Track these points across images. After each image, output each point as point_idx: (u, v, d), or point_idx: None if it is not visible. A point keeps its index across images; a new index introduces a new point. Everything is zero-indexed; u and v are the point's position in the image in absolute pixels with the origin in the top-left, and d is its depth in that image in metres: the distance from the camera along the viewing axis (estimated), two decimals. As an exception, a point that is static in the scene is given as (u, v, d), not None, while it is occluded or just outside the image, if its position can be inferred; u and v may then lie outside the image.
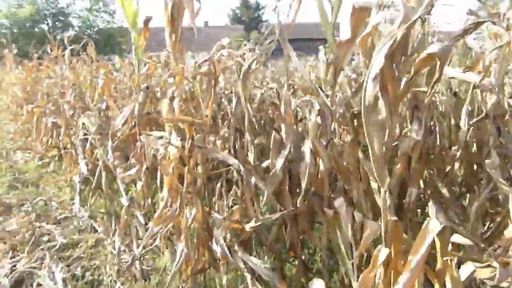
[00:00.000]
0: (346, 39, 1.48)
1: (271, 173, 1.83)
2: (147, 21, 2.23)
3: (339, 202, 1.73)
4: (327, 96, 1.74)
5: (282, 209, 1.90)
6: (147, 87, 2.62)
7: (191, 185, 1.98)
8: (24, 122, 6.24)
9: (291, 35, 1.81)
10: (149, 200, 2.86)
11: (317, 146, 1.71)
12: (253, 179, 1.93)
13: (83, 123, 3.38)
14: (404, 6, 0.95)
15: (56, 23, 25.60)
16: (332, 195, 1.84)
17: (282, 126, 2.11)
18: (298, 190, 1.92)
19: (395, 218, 1.10)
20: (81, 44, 4.45)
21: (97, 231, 3.00)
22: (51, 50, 4.91)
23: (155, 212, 2.98)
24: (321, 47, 3.17)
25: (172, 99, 2.05)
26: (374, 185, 1.63)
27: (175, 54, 2.08)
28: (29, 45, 7.07)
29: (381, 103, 0.99)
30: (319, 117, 1.83)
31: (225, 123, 2.63)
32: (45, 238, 2.80)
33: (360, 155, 1.70)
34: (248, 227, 1.79)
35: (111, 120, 3.18)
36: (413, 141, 1.56)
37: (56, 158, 4.59)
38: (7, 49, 8.30)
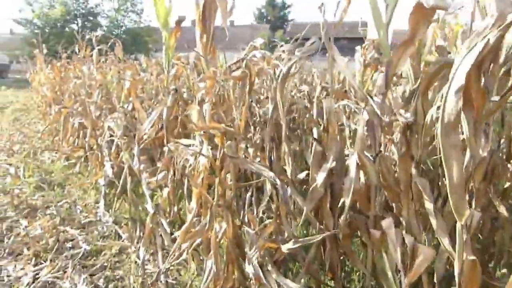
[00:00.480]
0: (403, 41, 1.29)
1: (311, 188, 1.65)
2: (179, 21, 2.09)
3: (387, 222, 1.55)
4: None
5: (322, 227, 1.73)
6: (176, 90, 2.50)
7: (221, 198, 1.84)
8: (52, 122, 6.26)
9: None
10: (175, 208, 2.74)
11: (364, 160, 1.52)
12: (289, 191, 1.77)
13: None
14: (497, 1, 0.76)
15: (86, 23, 26.12)
16: (378, 214, 1.65)
17: (314, 130, 1.93)
18: (339, 207, 1.75)
19: (473, 257, 0.91)
20: (109, 44, 4.42)
21: (121, 237, 2.90)
22: (79, 50, 4.88)
23: (180, 219, 2.86)
24: (358, 47, 2.96)
25: (201, 103, 1.90)
26: (428, 205, 1.44)
27: (206, 56, 1.94)
28: (58, 45, 7.12)
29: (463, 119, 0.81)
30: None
31: (256, 129, 2.47)
32: (69, 244, 2.71)
33: (413, 170, 1.51)
34: (285, 248, 1.62)
35: (137, 123, 3.08)
36: (478, 157, 1.36)
37: (82, 159, 4.55)
38: (37, 49, 8.39)
